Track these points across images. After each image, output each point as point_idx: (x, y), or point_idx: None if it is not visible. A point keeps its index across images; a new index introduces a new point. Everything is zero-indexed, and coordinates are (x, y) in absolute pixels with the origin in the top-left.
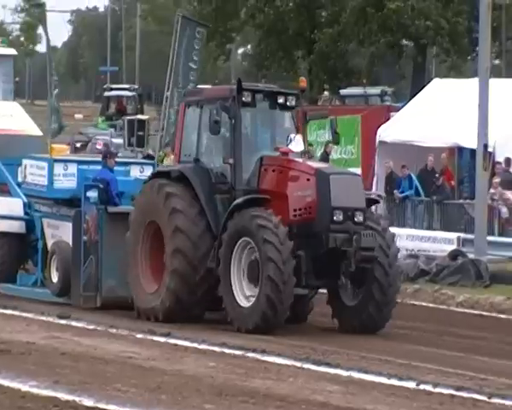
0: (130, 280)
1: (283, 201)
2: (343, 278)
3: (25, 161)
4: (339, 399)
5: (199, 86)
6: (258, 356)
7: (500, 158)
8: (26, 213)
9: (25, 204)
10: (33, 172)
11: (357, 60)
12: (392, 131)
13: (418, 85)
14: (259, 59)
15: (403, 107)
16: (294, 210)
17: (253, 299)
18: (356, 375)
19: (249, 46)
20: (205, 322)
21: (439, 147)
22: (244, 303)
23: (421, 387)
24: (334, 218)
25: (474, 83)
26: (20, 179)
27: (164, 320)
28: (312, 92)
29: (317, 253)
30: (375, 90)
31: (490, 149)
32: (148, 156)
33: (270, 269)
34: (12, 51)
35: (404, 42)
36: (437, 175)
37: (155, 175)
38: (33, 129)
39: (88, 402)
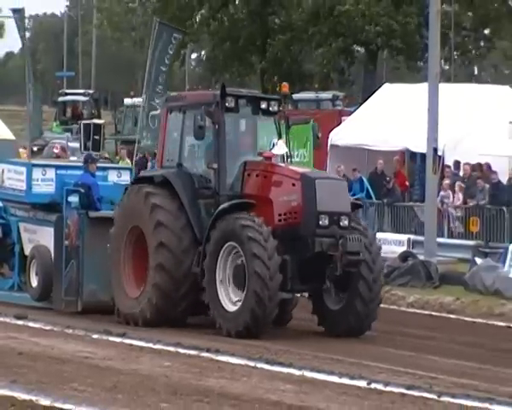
0: (113, 283)
1: (268, 205)
2: (328, 282)
3: (2, 166)
4: (292, 398)
5: (177, 93)
6: (213, 356)
7: (449, 161)
8: (1, 217)
9: (0, 208)
10: (11, 176)
11: (310, 65)
12: (343, 135)
13: (369, 90)
14: (214, 64)
15: (354, 111)
16: (279, 215)
17: (239, 304)
18: (308, 374)
19: (203, 52)
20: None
21: (389, 151)
22: (231, 308)
23: (373, 386)
24: (320, 222)
25: (423, 88)
26: None
27: (143, 326)
28: None
29: (302, 257)
30: (327, 95)
31: (439, 153)
32: (105, 159)
33: (256, 265)
34: None
35: (356, 47)
36: (388, 178)
37: (138, 180)
38: (7, 133)
39: (45, 401)
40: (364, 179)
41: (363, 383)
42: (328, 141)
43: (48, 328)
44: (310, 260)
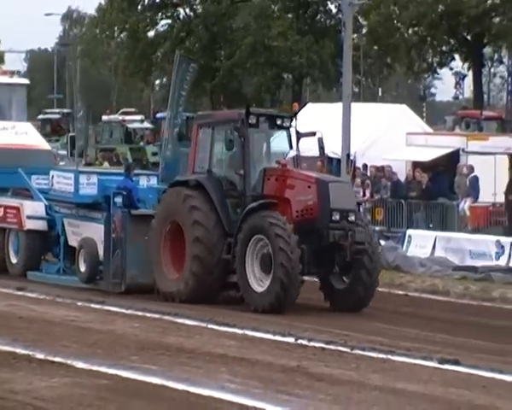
0: (154, 267)
1: (286, 204)
2: (336, 267)
3: (52, 172)
4: (235, 351)
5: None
6: (172, 318)
7: (359, 164)
8: (47, 213)
9: (46, 206)
10: (60, 181)
11: (249, 88)
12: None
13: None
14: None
15: None
16: (297, 211)
17: (265, 284)
18: (249, 333)
19: (164, 79)
20: (131, 294)
21: (312, 156)
22: (257, 288)
23: (299, 341)
24: (333, 217)
25: (338, 106)
26: (41, 186)
27: (180, 303)
28: None
29: (318, 246)
30: None
31: (351, 158)
32: (90, 165)
33: (281, 257)
34: (25, 81)
35: (285, 75)
36: None
37: (176, 183)
38: (45, 144)
39: (40, 355)
40: None
41: (291, 340)
42: None
43: (42, 297)
44: (322, 248)
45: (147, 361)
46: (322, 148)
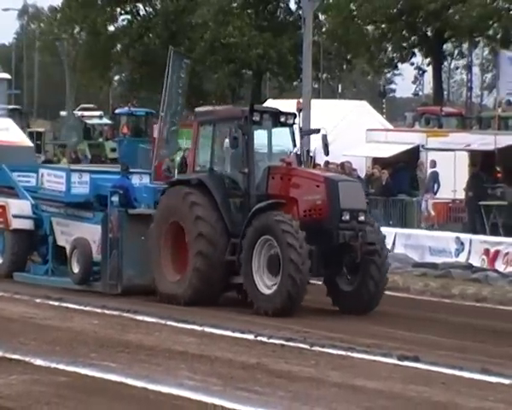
0: (154, 269)
1: (293, 203)
2: (344, 268)
3: (41, 170)
4: (194, 348)
5: (208, 108)
6: (132, 315)
7: (320, 161)
8: (33, 212)
9: (32, 205)
10: (50, 179)
11: (210, 85)
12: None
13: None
14: (133, 85)
15: None
16: (304, 211)
17: (273, 287)
18: (208, 329)
19: (123, 74)
20: (88, 292)
21: (265, 152)
22: (265, 291)
23: (259, 338)
24: (343, 218)
25: None
26: (25, 184)
27: (184, 305)
28: None
29: (327, 247)
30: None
31: (311, 154)
32: (48, 161)
33: (290, 253)
34: (6, 76)
35: (244, 71)
36: None
37: (175, 183)
38: (26, 141)
39: None
40: None
41: (251, 336)
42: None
43: (0, 294)
44: (331, 249)
45: (106, 358)
46: (326, 145)
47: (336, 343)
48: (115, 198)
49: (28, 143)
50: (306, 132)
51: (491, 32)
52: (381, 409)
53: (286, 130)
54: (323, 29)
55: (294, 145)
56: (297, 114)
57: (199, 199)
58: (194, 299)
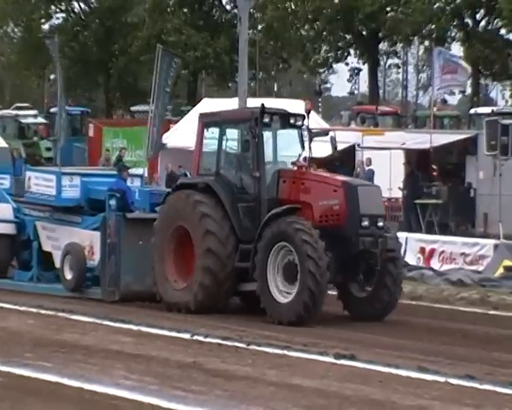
0: (157, 275)
1: (307, 209)
2: (361, 275)
3: (29, 173)
4: (130, 348)
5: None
6: (68, 315)
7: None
8: (16, 216)
9: (14, 209)
10: (39, 182)
11: (144, 83)
12: (171, 138)
13: (192, 103)
14: (68, 84)
15: (180, 120)
16: (320, 217)
17: (289, 295)
18: (144, 329)
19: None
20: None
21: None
22: (281, 299)
23: (195, 337)
24: (362, 224)
25: (235, 102)
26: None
27: (195, 312)
28: (109, 109)
29: (345, 254)
30: None
31: None
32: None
33: (310, 265)
34: None
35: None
36: None
37: (180, 186)
38: (1, 142)
39: None
40: (188, 173)
41: (187, 336)
42: None
43: None
44: (348, 256)
45: (41, 358)
46: (335, 147)
47: (273, 342)
48: (113, 202)
49: (3, 144)
50: (315, 134)
51: (426, 32)
52: (318, 408)
53: (294, 132)
54: (259, 27)
55: (303, 148)
56: (306, 115)
57: (209, 210)
58: (201, 307)
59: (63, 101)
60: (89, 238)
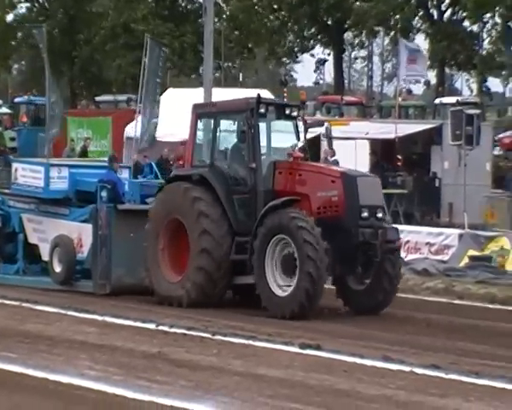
0: (151, 269)
1: (305, 200)
2: (359, 267)
3: (15, 165)
4: (95, 338)
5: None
6: (32, 306)
7: None
8: (0, 208)
9: None
10: (26, 174)
11: (110, 73)
12: (136, 129)
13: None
14: (33, 73)
15: None
16: (318, 208)
17: (287, 289)
18: (109, 319)
19: (23, 62)
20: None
21: (173, 141)
22: (279, 293)
23: (160, 328)
24: (362, 215)
25: (200, 91)
26: None
27: (187, 307)
28: (74, 99)
29: (344, 246)
30: (123, 97)
31: None
32: None
33: (308, 249)
34: None
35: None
36: (171, 162)
37: (173, 179)
38: None
39: None
40: (153, 164)
41: (152, 326)
42: (123, 134)
43: None
44: (347, 247)
45: (5, 349)
46: (330, 138)
47: (238, 332)
48: (104, 193)
49: None
50: (310, 125)
51: (391, 23)
52: (283, 397)
53: (289, 123)
54: (224, 16)
55: (298, 138)
56: (301, 105)
57: (201, 194)
58: (196, 300)
59: (52, 91)
60: (77, 230)
